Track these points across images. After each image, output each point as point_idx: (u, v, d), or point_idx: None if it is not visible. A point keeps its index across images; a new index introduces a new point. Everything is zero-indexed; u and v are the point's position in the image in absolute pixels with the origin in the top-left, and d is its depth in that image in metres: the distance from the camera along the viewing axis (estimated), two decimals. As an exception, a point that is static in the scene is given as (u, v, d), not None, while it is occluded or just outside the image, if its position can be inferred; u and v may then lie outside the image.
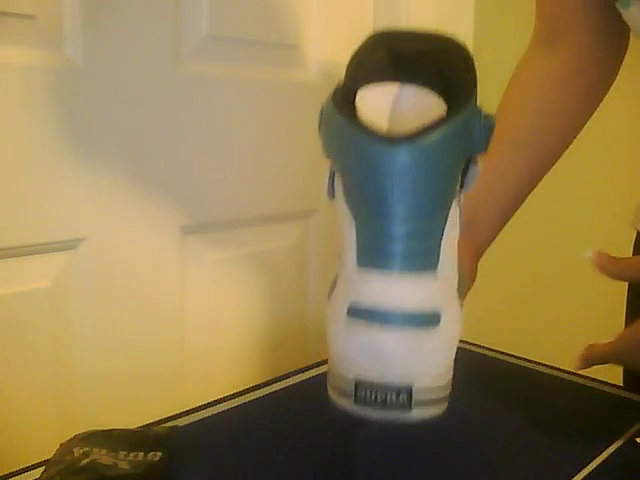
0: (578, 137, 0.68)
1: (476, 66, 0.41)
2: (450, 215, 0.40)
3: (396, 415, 0.39)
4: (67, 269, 0.77)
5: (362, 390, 0.39)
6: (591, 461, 0.52)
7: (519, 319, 1.23)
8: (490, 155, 0.66)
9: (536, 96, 0.67)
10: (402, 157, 0.36)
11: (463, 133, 0.38)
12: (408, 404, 0.39)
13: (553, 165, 0.67)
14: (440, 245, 0.39)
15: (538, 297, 1.22)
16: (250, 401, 0.63)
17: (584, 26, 0.66)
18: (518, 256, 1.18)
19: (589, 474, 0.50)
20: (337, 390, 0.41)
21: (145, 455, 0.49)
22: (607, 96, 0.69)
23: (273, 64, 0.95)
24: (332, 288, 0.43)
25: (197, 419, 0.59)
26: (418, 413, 0.40)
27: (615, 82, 0.69)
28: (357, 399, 0.40)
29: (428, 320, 0.38)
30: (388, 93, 0.42)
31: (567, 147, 0.68)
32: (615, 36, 0.67)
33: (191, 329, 0.90)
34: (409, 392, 0.39)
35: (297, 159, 0.99)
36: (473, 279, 0.59)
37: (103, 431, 0.53)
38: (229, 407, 0.62)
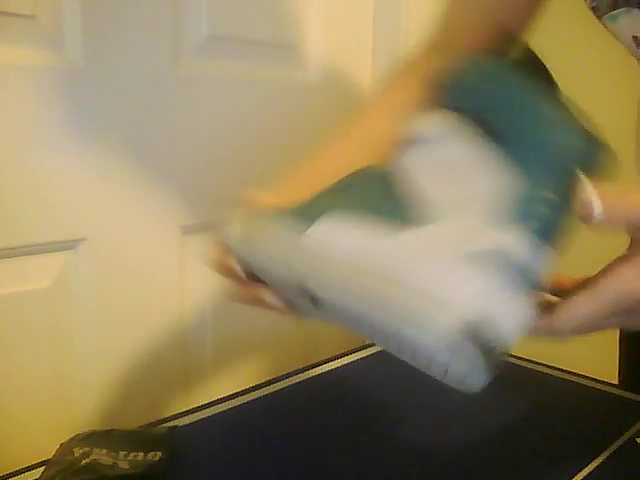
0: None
1: None
2: None
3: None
4: (67, 269, 0.77)
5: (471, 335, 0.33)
6: (591, 461, 0.52)
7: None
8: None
9: None
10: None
11: None
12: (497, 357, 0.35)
13: None
14: None
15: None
16: (250, 401, 0.63)
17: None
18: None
19: (589, 474, 0.50)
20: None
21: (145, 455, 0.49)
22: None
23: (273, 64, 0.95)
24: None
25: (197, 419, 0.59)
26: None
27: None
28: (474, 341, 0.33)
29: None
30: None
31: None
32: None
33: (191, 328, 0.90)
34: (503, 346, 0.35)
35: (297, 159, 0.99)
36: None
37: (103, 431, 0.53)
38: (229, 407, 0.62)
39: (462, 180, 0.36)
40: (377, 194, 0.40)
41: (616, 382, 0.72)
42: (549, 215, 0.35)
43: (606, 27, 0.59)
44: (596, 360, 0.79)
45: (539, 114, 0.36)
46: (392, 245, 0.35)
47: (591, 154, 0.37)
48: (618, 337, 0.75)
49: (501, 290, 0.34)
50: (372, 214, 0.37)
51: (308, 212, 0.41)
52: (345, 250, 0.37)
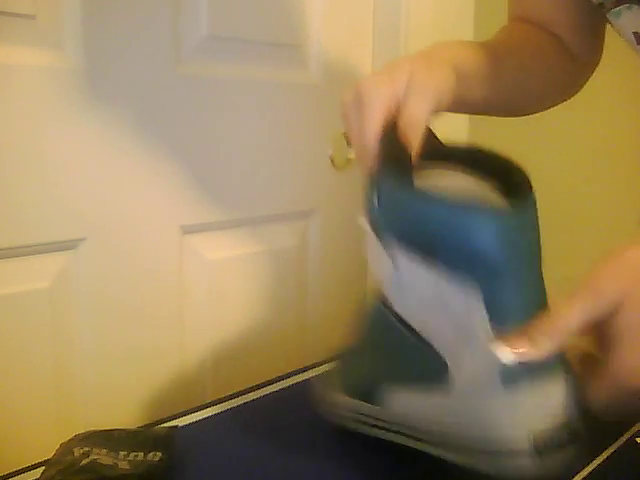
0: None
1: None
2: None
3: (571, 450, 0.42)
4: (67, 269, 0.77)
5: (540, 441, 0.41)
6: (591, 461, 0.52)
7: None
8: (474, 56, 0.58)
9: (528, 45, 0.64)
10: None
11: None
12: (577, 436, 0.42)
13: (501, 113, 0.66)
14: None
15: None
16: (250, 401, 0.63)
17: (562, 22, 0.65)
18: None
19: (589, 474, 0.50)
20: (504, 455, 0.42)
21: (145, 455, 0.49)
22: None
23: (273, 64, 0.95)
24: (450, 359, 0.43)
25: (197, 419, 0.59)
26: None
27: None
28: (537, 451, 0.41)
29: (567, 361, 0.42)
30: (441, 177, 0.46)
31: (521, 112, 0.66)
32: (591, 37, 0.66)
33: (191, 328, 0.90)
34: (573, 425, 0.42)
35: (297, 159, 0.99)
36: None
37: (103, 431, 0.53)
38: (229, 407, 0.62)
39: (443, 308, 0.42)
40: (400, 349, 0.48)
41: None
42: (511, 311, 0.41)
43: (611, 24, 0.59)
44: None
45: (449, 225, 0.41)
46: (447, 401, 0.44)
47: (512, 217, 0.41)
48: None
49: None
50: (415, 379, 0.47)
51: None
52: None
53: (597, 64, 0.68)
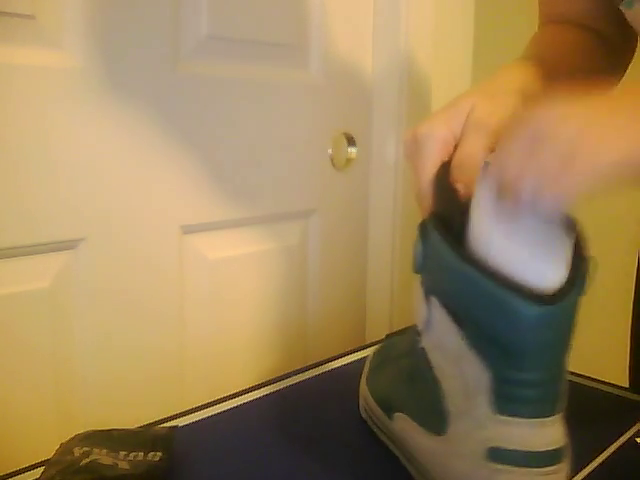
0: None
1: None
2: None
3: None
4: (67, 269, 0.77)
5: None
6: (591, 461, 0.52)
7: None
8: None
9: (571, 43, 0.64)
10: (551, 316, 0.38)
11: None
12: None
13: None
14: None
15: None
16: (250, 401, 0.63)
17: (594, 14, 0.65)
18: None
19: (589, 474, 0.50)
20: None
21: (145, 455, 0.49)
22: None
23: (273, 64, 0.95)
24: (441, 416, 0.43)
25: (197, 419, 0.59)
26: None
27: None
28: None
29: (566, 454, 0.41)
30: None
31: None
32: (625, 24, 0.66)
33: (191, 328, 0.90)
34: None
35: (297, 159, 0.99)
36: None
37: (103, 431, 0.53)
38: (229, 407, 0.62)
39: (459, 367, 0.43)
40: (415, 379, 0.49)
41: (626, 384, 0.72)
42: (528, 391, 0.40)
43: (625, 15, 0.59)
44: (606, 362, 0.78)
45: (484, 298, 0.40)
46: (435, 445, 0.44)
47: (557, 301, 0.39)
48: (629, 339, 0.75)
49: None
50: (419, 414, 0.48)
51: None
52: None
53: (635, 49, 0.68)
